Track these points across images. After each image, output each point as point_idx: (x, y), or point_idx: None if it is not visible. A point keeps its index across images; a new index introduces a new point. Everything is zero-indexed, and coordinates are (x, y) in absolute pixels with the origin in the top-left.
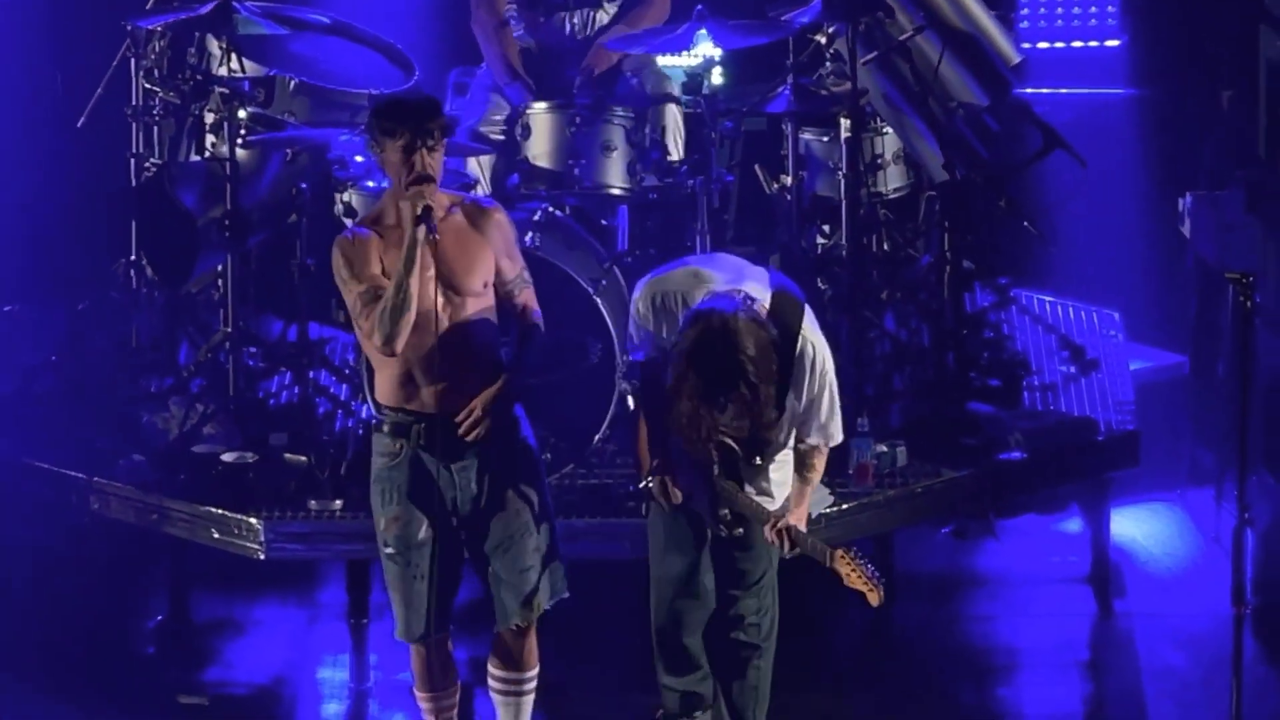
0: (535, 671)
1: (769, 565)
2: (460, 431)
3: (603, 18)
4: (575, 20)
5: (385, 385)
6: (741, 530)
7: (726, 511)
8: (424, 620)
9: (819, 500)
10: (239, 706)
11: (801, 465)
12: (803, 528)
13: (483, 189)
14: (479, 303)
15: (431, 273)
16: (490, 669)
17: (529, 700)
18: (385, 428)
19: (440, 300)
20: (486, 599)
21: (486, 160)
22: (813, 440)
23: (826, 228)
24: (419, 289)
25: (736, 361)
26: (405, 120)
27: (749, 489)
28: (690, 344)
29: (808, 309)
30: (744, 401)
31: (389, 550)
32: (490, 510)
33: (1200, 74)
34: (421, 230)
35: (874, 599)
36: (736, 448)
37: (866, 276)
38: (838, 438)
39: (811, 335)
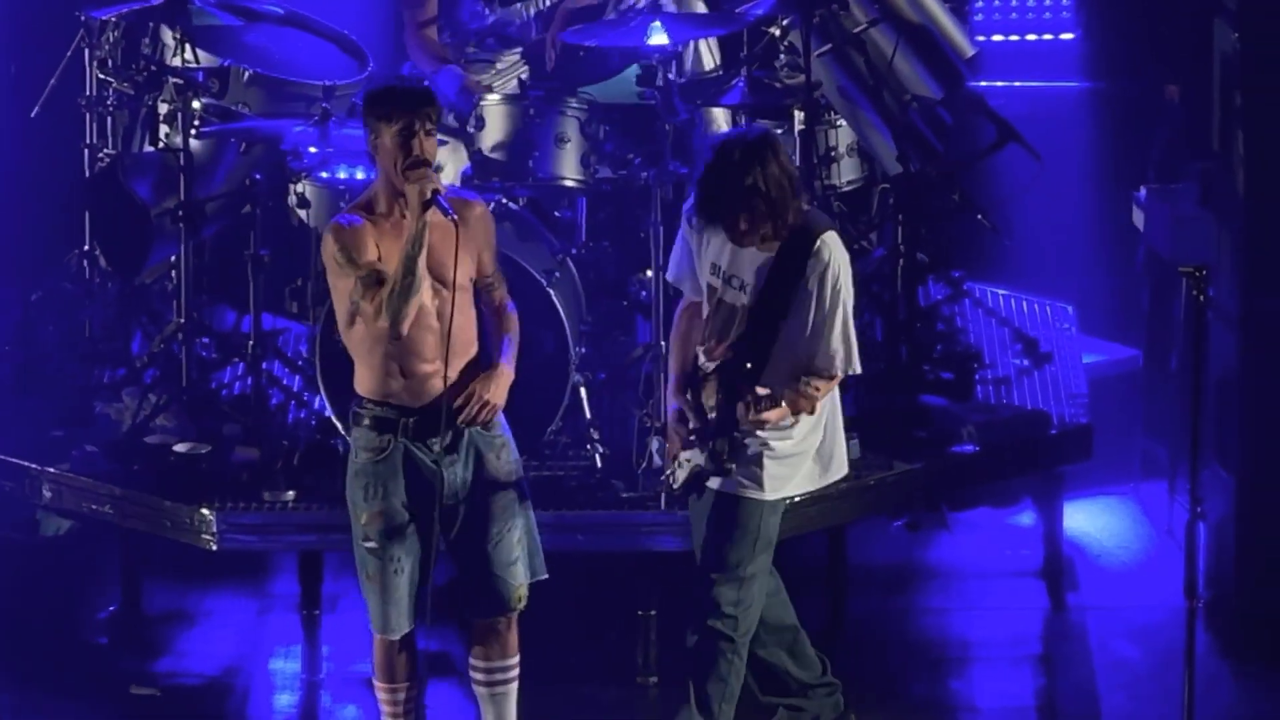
0: (518, 659)
1: (753, 557)
2: (461, 418)
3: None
4: (531, 8)
5: (368, 378)
6: (733, 466)
7: (724, 444)
8: (404, 615)
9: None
10: (191, 697)
11: (802, 381)
12: (773, 417)
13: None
14: (463, 295)
15: (424, 268)
16: (473, 661)
17: (514, 688)
18: (367, 421)
19: (429, 292)
20: (469, 590)
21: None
22: (820, 365)
23: None
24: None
25: (770, 148)
26: (403, 105)
27: (757, 438)
28: (733, 133)
29: (836, 235)
30: (754, 199)
31: (370, 545)
32: (477, 504)
33: (1154, 67)
34: (431, 213)
35: (809, 405)
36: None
37: None
38: (844, 367)
39: (834, 245)
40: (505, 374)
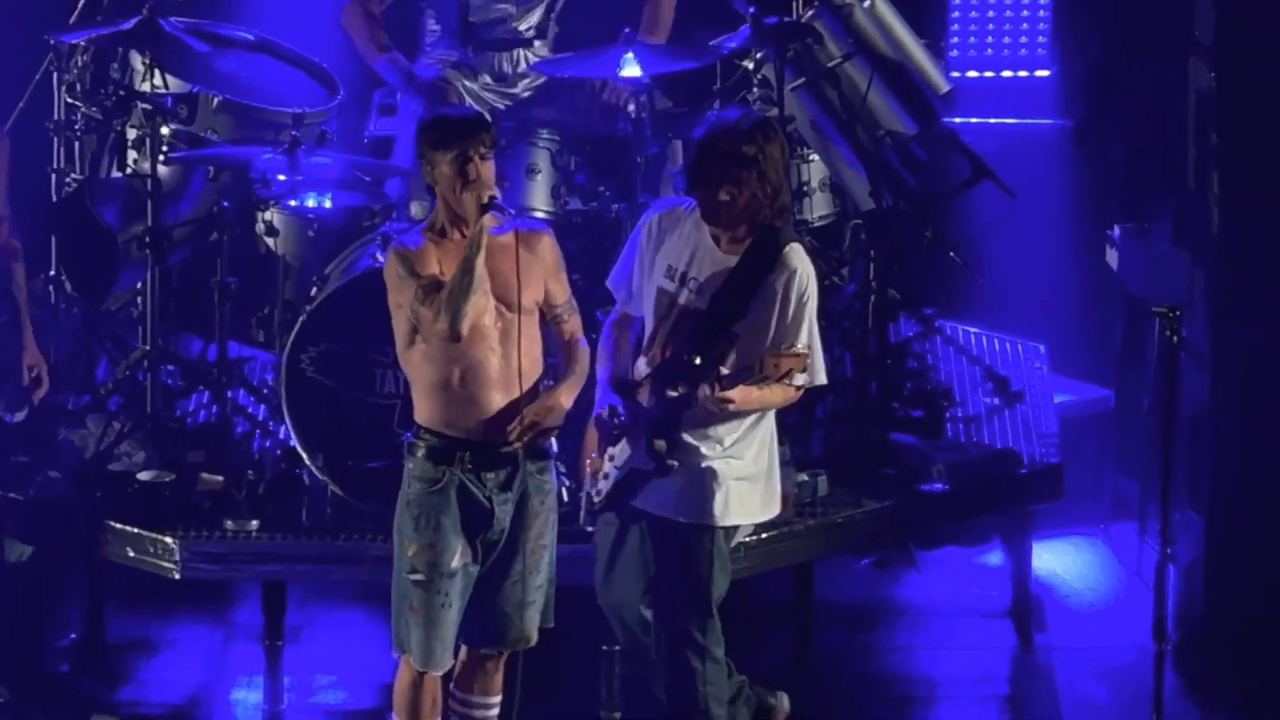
0: (499, 699)
1: (714, 581)
2: (511, 437)
3: (533, 59)
4: (505, 63)
5: (427, 405)
6: (676, 464)
7: (662, 441)
8: (447, 650)
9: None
10: None
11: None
12: (734, 396)
13: None
14: (530, 321)
15: (486, 285)
16: (455, 693)
17: None
18: (421, 451)
19: (492, 314)
20: (470, 617)
21: None
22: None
23: None
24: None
25: (776, 129)
26: (457, 133)
27: (700, 440)
28: (741, 108)
29: (803, 248)
30: (749, 170)
31: (417, 577)
32: (511, 544)
33: (1130, 105)
34: (489, 219)
35: (799, 363)
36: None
37: None
38: (806, 377)
39: (802, 255)
40: (558, 400)
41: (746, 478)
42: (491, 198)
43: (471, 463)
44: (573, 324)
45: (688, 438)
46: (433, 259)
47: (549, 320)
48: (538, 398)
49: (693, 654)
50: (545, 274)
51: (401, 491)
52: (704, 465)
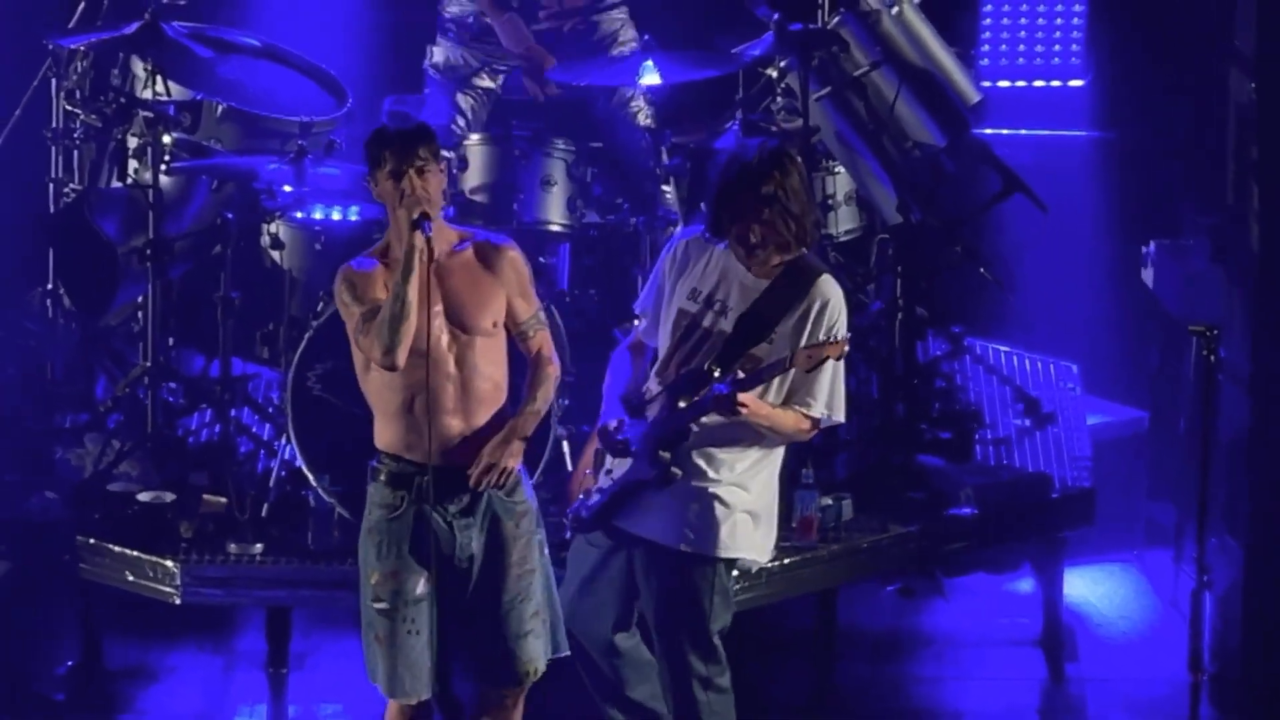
0: None
1: (717, 615)
2: (471, 483)
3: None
4: None
5: (386, 430)
6: (680, 474)
7: (668, 452)
8: (418, 678)
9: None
10: None
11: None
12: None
13: None
14: (489, 343)
15: (439, 308)
16: None
17: None
18: (383, 477)
19: (447, 338)
20: (479, 657)
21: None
22: (800, 402)
23: None
24: (426, 324)
25: (790, 158)
26: (388, 146)
27: (708, 462)
28: (751, 142)
29: (835, 281)
30: (771, 207)
31: (381, 605)
32: (489, 573)
33: (1167, 117)
34: (419, 237)
35: (835, 351)
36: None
37: None
38: (825, 409)
39: (835, 286)
40: (516, 434)
41: (752, 512)
42: (423, 214)
43: (429, 489)
44: (539, 339)
45: (696, 459)
46: (379, 283)
47: (514, 337)
48: (500, 423)
49: (696, 685)
50: (507, 291)
51: (364, 518)
52: (712, 492)
